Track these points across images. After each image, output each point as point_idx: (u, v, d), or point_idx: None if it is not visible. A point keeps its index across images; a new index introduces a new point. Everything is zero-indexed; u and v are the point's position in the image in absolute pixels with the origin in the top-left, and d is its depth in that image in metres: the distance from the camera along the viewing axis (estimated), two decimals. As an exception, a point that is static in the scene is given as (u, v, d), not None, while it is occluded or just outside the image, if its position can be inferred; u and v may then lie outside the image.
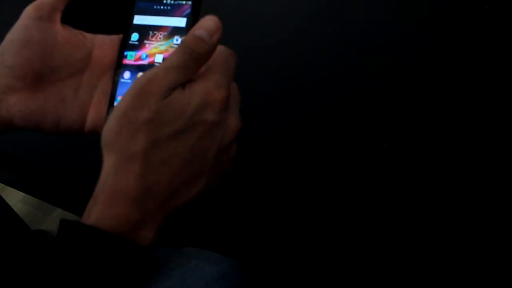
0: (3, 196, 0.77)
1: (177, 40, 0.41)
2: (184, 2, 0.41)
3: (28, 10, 0.40)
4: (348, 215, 0.53)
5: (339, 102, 0.63)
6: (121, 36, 0.42)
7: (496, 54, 0.65)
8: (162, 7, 0.41)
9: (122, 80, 0.41)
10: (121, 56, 0.41)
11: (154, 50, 0.41)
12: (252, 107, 0.63)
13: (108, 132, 0.33)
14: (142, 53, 0.41)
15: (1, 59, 0.39)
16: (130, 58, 0.41)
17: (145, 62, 0.41)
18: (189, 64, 0.33)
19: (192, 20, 0.41)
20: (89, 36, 0.42)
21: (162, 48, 0.41)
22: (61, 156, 0.63)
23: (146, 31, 0.41)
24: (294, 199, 0.55)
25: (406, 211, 0.52)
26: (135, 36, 0.42)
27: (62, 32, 0.41)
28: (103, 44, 0.42)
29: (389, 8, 0.74)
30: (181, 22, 0.41)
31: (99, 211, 0.33)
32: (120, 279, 0.32)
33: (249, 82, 0.68)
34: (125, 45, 0.41)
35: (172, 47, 0.41)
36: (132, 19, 0.42)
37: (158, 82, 0.33)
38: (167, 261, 0.42)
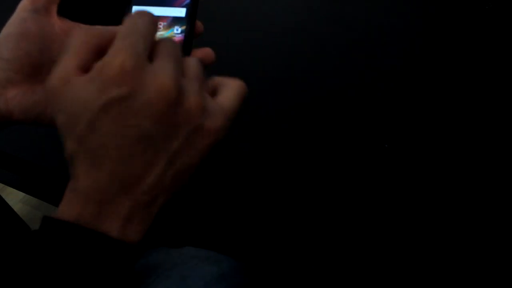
0: (3, 196, 0.77)
1: (177, 30, 0.41)
2: None
3: (24, 3, 0.39)
4: (348, 215, 0.53)
5: (339, 102, 0.63)
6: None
7: (496, 54, 0.65)
8: None
9: None
10: None
11: None
12: (252, 107, 0.63)
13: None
14: None
15: None
16: None
17: None
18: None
19: (192, 10, 0.41)
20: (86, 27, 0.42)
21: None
22: (61, 156, 0.63)
23: None
24: (294, 199, 0.55)
25: (406, 211, 0.52)
26: None
27: (59, 24, 0.40)
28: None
29: (389, 8, 0.74)
30: (180, 12, 0.41)
31: (60, 207, 0.32)
32: (86, 268, 0.31)
33: (250, 82, 0.68)
34: None
35: (172, 36, 0.41)
36: (130, 9, 0.42)
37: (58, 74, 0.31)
38: (167, 261, 0.42)
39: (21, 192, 1.08)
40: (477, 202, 0.52)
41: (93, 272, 0.30)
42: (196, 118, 0.32)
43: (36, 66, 0.39)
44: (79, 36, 0.31)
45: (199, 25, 0.40)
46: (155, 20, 0.32)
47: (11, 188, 0.85)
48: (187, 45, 0.41)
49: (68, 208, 0.31)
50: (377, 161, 0.56)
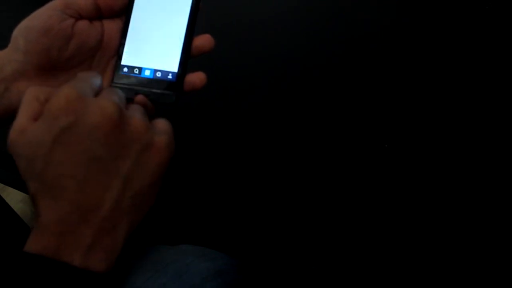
0: (3, 196, 0.77)
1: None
2: None
3: (56, 3, 0.40)
4: (348, 214, 0.53)
5: (339, 102, 0.63)
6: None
7: (496, 54, 0.65)
8: None
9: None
10: (124, 38, 0.43)
11: None
12: (251, 107, 0.63)
13: None
14: None
15: (15, 44, 0.39)
16: None
17: None
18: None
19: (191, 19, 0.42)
20: (97, 23, 0.43)
21: None
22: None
23: None
24: (293, 198, 0.55)
25: (406, 211, 0.52)
26: None
27: (79, 25, 0.41)
28: (110, 29, 0.43)
29: (389, 8, 0.74)
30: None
31: (27, 243, 0.33)
32: None
33: (250, 82, 0.68)
34: (127, 28, 0.43)
35: None
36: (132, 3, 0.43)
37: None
38: (163, 258, 0.42)
39: (21, 192, 1.08)
40: (477, 202, 0.52)
41: None
42: (144, 136, 0.34)
43: (52, 62, 0.40)
44: (30, 92, 0.34)
45: (209, 39, 0.42)
46: (97, 75, 0.36)
47: (11, 188, 0.85)
48: (186, 47, 0.42)
49: (34, 243, 0.32)
50: (377, 161, 0.56)
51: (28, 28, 0.39)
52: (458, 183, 0.54)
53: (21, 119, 0.33)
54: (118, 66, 0.43)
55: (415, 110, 0.61)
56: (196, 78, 0.42)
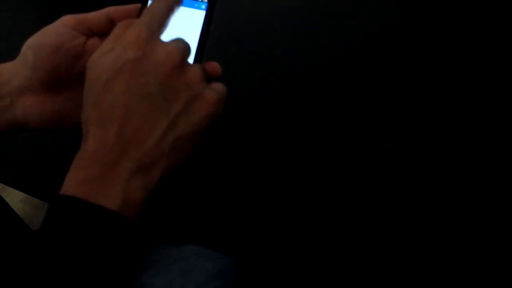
0: (3, 196, 0.77)
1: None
2: None
3: (67, 20, 0.40)
4: (348, 214, 0.53)
5: (339, 102, 0.63)
6: None
7: (496, 54, 0.65)
8: None
9: None
10: None
11: None
12: (251, 106, 0.63)
13: None
14: None
15: (24, 59, 0.39)
16: None
17: None
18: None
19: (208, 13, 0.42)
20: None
21: None
22: (61, 156, 0.63)
23: None
24: (294, 198, 0.55)
25: (406, 211, 0.52)
26: None
27: (89, 44, 0.41)
28: None
29: (389, 8, 0.74)
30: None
31: (67, 176, 0.34)
32: (88, 243, 0.32)
33: (250, 81, 0.68)
34: None
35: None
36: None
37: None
38: (168, 257, 0.43)
39: (21, 192, 1.08)
40: (477, 202, 0.52)
41: (94, 243, 0.32)
42: (196, 87, 0.36)
43: (60, 79, 0.40)
44: (120, 24, 0.36)
45: (216, 66, 0.42)
46: (171, 5, 0.37)
47: (11, 188, 0.85)
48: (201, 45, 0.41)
49: (75, 176, 0.33)
50: (377, 161, 0.56)
51: (39, 44, 0.39)
52: (458, 183, 0.54)
53: (105, 45, 0.35)
54: None
55: (415, 110, 0.61)
56: (211, 67, 0.42)
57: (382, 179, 0.55)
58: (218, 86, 0.38)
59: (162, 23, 0.37)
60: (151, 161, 0.34)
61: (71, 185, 0.33)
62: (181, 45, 0.36)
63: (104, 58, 0.34)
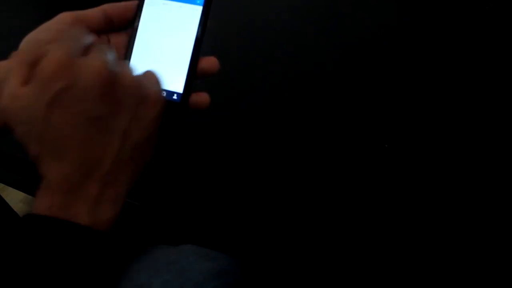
0: (3, 196, 0.77)
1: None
2: None
3: (64, 17, 0.40)
4: (348, 214, 0.53)
5: (339, 102, 0.63)
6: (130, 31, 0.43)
7: (496, 54, 0.65)
8: None
9: None
10: (130, 54, 0.42)
11: None
12: (250, 106, 0.63)
13: None
14: None
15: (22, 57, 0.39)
16: None
17: None
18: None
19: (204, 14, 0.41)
20: (104, 37, 0.43)
21: None
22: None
23: None
24: (293, 198, 0.55)
25: (406, 211, 0.52)
26: None
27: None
28: (117, 43, 0.43)
29: (389, 8, 0.74)
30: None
31: (33, 204, 0.34)
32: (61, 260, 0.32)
33: (249, 82, 0.68)
34: (132, 45, 0.42)
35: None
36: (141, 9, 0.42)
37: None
38: (166, 257, 0.42)
39: (21, 192, 1.08)
40: (477, 202, 0.52)
41: (67, 258, 0.32)
42: (137, 90, 0.35)
43: None
44: (15, 57, 0.35)
45: (214, 61, 0.42)
46: (83, 29, 0.36)
47: (11, 188, 0.85)
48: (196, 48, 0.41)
49: (41, 204, 0.33)
50: (377, 161, 0.56)
51: (35, 41, 0.39)
52: (458, 183, 0.54)
53: (12, 85, 0.33)
54: None
55: (415, 110, 0.61)
56: (201, 98, 0.42)
57: (382, 179, 0.55)
58: (152, 77, 0.37)
59: (80, 45, 0.35)
60: (114, 177, 0.34)
61: (39, 210, 0.33)
62: (104, 55, 0.34)
63: (25, 96, 0.32)
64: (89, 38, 0.36)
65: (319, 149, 0.58)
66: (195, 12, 0.41)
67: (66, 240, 0.32)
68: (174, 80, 0.41)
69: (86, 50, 0.35)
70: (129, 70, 0.35)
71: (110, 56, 0.35)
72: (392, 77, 0.65)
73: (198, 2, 0.41)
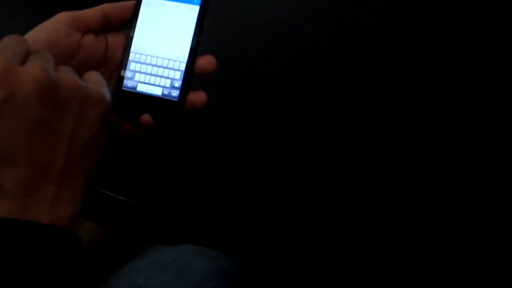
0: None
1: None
2: None
3: (63, 17, 0.40)
4: (348, 214, 0.53)
5: (339, 102, 0.63)
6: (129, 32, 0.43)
7: (496, 54, 0.65)
8: None
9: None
10: (127, 54, 0.42)
11: None
12: (250, 106, 0.63)
13: None
14: None
15: None
16: None
17: None
18: None
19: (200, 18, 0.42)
20: (102, 37, 0.43)
21: None
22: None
23: None
24: (294, 198, 0.55)
25: (406, 211, 0.52)
26: None
27: (84, 41, 0.41)
28: (114, 43, 0.43)
29: (389, 8, 0.74)
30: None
31: None
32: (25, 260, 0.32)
33: (249, 82, 0.68)
34: (130, 44, 0.42)
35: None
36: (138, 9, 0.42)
37: None
38: (164, 257, 0.42)
39: None
40: (477, 202, 0.52)
41: (32, 256, 0.32)
42: (78, 92, 0.35)
43: None
44: None
45: (211, 60, 0.42)
46: (23, 38, 0.36)
47: None
48: (193, 51, 0.41)
49: (1, 209, 0.33)
50: (377, 161, 0.56)
51: (35, 40, 0.39)
52: (458, 183, 0.54)
53: None
54: (120, 82, 0.42)
55: (415, 110, 0.61)
56: (197, 97, 0.42)
57: (382, 179, 0.55)
58: (94, 77, 0.37)
59: (19, 54, 0.35)
60: (68, 177, 0.34)
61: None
62: (42, 61, 0.34)
63: None
64: (27, 47, 0.36)
65: (319, 149, 0.58)
66: (192, 11, 0.42)
67: (29, 238, 0.32)
68: (171, 79, 0.41)
69: (25, 58, 0.35)
70: (69, 73, 0.36)
71: (48, 61, 0.35)
72: (392, 77, 0.65)
73: (195, 1, 0.42)
